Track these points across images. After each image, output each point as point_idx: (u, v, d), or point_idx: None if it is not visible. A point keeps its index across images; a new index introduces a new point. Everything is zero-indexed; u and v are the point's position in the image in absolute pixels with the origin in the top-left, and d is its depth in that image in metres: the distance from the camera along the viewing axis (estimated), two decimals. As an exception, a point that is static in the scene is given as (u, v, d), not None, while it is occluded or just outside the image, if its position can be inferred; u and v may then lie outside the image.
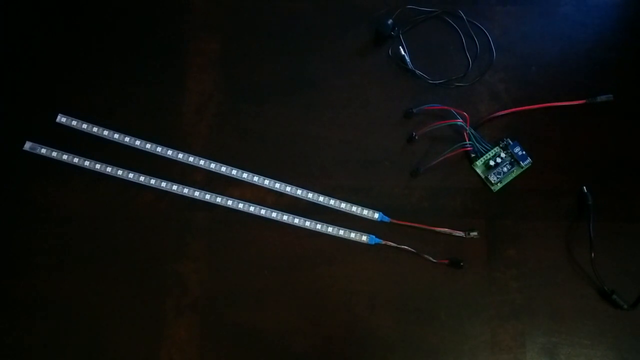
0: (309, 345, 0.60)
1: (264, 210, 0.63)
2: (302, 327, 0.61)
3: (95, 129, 0.65)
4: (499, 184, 0.64)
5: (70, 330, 0.61)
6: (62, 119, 0.65)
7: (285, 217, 0.63)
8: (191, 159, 0.64)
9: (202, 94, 0.67)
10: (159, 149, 0.64)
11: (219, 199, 0.63)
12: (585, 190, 0.62)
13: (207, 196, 0.63)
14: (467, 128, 0.63)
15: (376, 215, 0.63)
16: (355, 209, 0.63)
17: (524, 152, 0.64)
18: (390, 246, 0.62)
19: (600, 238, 0.61)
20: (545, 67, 0.67)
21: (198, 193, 0.63)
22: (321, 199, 0.63)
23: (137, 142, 0.65)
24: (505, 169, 0.63)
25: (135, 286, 0.61)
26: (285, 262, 0.62)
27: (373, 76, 0.67)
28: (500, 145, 0.64)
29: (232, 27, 0.68)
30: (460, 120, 0.63)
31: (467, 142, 0.63)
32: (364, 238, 0.62)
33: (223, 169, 0.64)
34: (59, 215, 0.63)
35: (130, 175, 0.64)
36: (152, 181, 0.64)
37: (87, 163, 0.64)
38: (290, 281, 0.61)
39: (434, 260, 0.61)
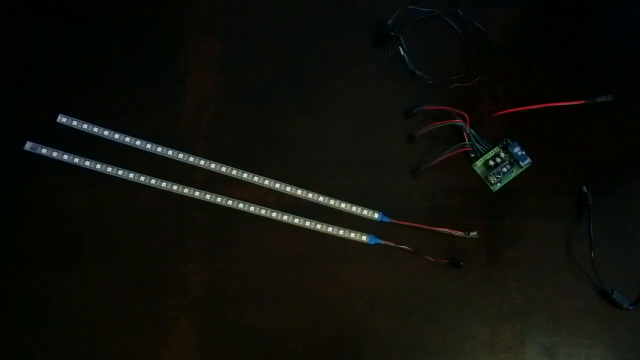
0: (309, 345, 0.60)
1: (264, 210, 0.63)
2: (302, 327, 0.61)
3: (95, 129, 0.65)
4: (498, 184, 0.64)
5: (70, 330, 0.61)
6: (62, 119, 0.65)
7: (285, 217, 0.63)
8: (191, 159, 0.64)
9: (202, 94, 0.67)
10: (159, 149, 0.65)
11: (219, 199, 0.63)
12: (585, 190, 0.63)
13: (207, 196, 0.63)
14: (467, 128, 0.63)
15: (376, 215, 0.63)
16: (355, 209, 0.63)
17: (523, 152, 0.64)
18: (390, 246, 0.62)
19: (600, 238, 0.61)
20: (545, 67, 0.67)
21: (198, 193, 0.63)
22: (321, 199, 0.63)
23: (137, 142, 0.65)
24: (504, 169, 0.63)
25: (135, 286, 0.62)
26: (285, 262, 0.62)
27: (373, 76, 0.67)
28: (500, 145, 0.64)
29: (232, 27, 0.68)
30: (460, 120, 0.63)
31: (467, 142, 0.63)
32: (364, 238, 0.62)
33: (223, 169, 0.64)
34: (59, 215, 0.63)
35: (130, 175, 0.64)
36: (152, 181, 0.64)
37: (87, 163, 0.64)
38: (290, 281, 0.62)
39: (434, 260, 0.61)
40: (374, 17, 0.67)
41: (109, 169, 0.64)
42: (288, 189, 0.64)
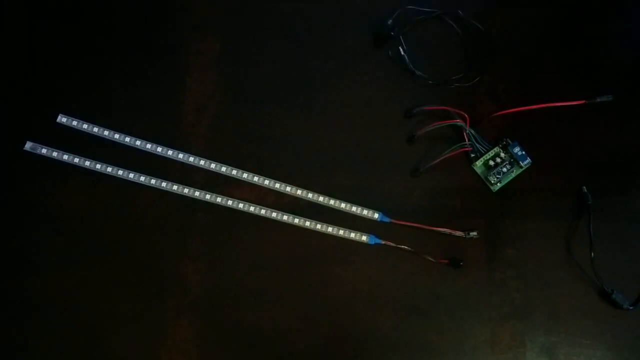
0: (309, 345, 0.60)
1: (264, 210, 0.63)
2: (302, 327, 0.61)
3: (95, 129, 0.65)
4: (498, 184, 0.64)
5: (70, 330, 0.61)
6: (62, 119, 0.65)
7: (285, 217, 0.63)
8: (191, 159, 0.64)
9: (202, 94, 0.67)
10: (159, 149, 0.65)
11: (219, 199, 0.63)
12: (585, 190, 0.63)
13: (207, 196, 0.63)
14: (467, 128, 0.63)
15: (376, 215, 0.63)
16: (355, 209, 0.63)
17: (523, 152, 0.64)
18: (390, 246, 0.62)
19: (600, 238, 0.61)
20: (545, 67, 0.67)
21: (198, 193, 0.63)
22: (321, 199, 0.63)
23: (137, 142, 0.65)
24: (504, 169, 0.63)
25: (135, 286, 0.62)
26: (285, 262, 0.62)
27: (373, 76, 0.67)
28: (500, 146, 0.64)
29: (232, 27, 0.68)
30: (460, 120, 0.63)
31: (467, 142, 0.63)
32: (364, 238, 0.62)
33: (223, 169, 0.64)
34: (59, 215, 0.63)
35: (131, 175, 0.64)
36: (152, 181, 0.64)
37: (87, 163, 0.64)
38: (290, 281, 0.62)
39: (434, 260, 0.61)
40: (374, 17, 0.67)
41: (109, 169, 0.64)
42: (288, 189, 0.64)
